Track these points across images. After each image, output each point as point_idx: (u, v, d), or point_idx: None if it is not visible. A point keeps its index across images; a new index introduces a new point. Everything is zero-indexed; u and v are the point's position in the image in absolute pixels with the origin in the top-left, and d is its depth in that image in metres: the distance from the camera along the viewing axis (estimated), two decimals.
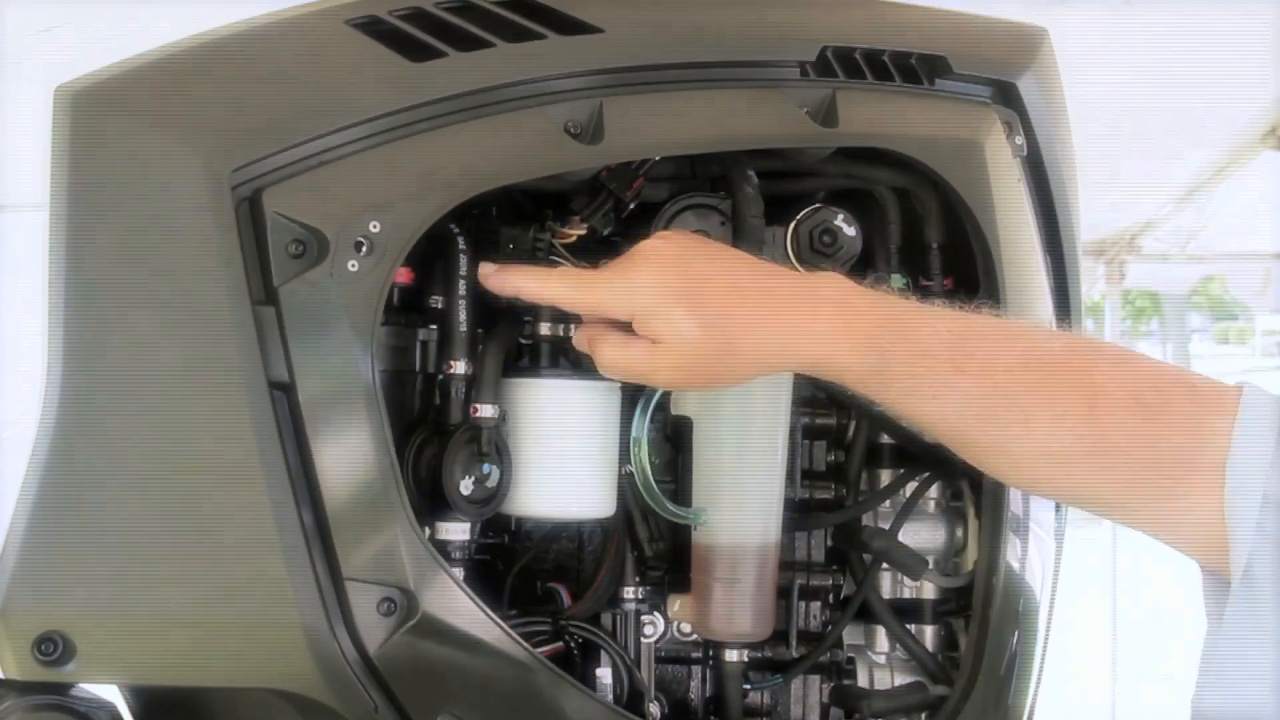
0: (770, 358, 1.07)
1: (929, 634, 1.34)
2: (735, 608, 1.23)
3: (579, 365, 1.24)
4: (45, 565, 1.02)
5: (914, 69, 1.26)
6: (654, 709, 1.27)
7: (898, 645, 1.33)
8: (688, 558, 1.26)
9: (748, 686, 1.33)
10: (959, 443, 1.09)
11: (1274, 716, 0.97)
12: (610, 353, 1.09)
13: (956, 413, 1.04)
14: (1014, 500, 1.24)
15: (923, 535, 1.33)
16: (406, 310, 1.21)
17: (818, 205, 1.27)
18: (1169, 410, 1.00)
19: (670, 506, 1.22)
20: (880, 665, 1.34)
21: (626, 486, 1.25)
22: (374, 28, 1.11)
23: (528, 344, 1.24)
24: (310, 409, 1.05)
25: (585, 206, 1.21)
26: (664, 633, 1.30)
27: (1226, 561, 0.99)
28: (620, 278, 1.07)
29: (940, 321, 1.05)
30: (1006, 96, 1.30)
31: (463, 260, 1.19)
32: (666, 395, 1.23)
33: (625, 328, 1.09)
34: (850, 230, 1.27)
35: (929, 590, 1.34)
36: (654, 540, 1.28)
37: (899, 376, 1.04)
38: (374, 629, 1.07)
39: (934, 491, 1.34)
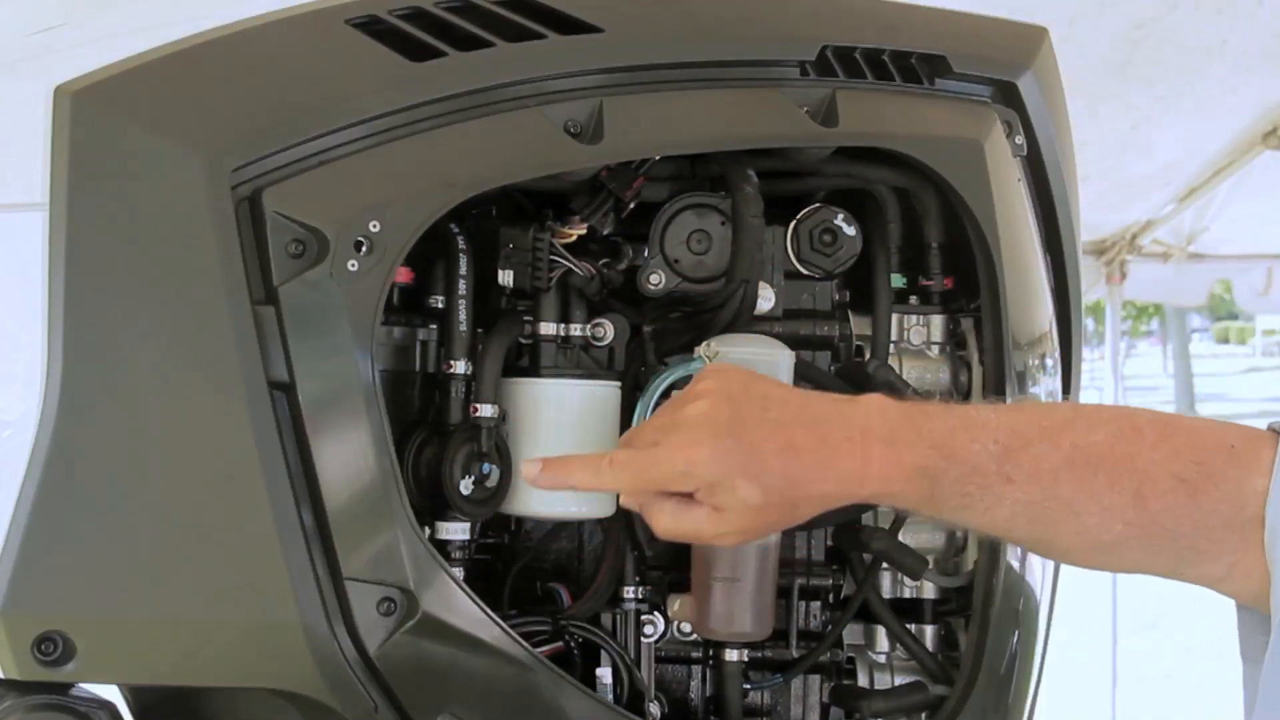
0: (827, 502, 1.07)
1: (929, 634, 1.34)
2: (735, 608, 1.23)
3: (579, 365, 1.24)
4: (45, 565, 1.02)
5: (914, 69, 1.26)
6: (654, 709, 1.27)
7: (898, 645, 1.33)
8: (688, 558, 1.26)
9: (748, 686, 1.33)
10: (1014, 542, 1.13)
11: None
12: (668, 521, 1.08)
13: (1007, 520, 1.06)
14: None
15: (923, 535, 1.33)
16: (406, 310, 1.21)
17: (818, 205, 1.27)
18: (1211, 482, 1.02)
19: None
20: (880, 665, 1.34)
21: None
22: (374, 27, 1.11)
23: (527, 344, 1.24)
24: (310, 409, 1.05)
25: (585, 206, 1.21)
26: (664, 632, 1.30)
27: None
28: (677, 455, 1.05)
29: (986, 433, 1.05)
30: (1006, 96, 1.30)
31: (463, 260, 1.19)
32: (666, 394, 1.23)
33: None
34: (850, 230, 1.27)
35: (929, 590, 1.34)
36: (654, 540, 1.28)
37: (951, 496, 1.05)
38: (374, 629, 1.07)
39: None
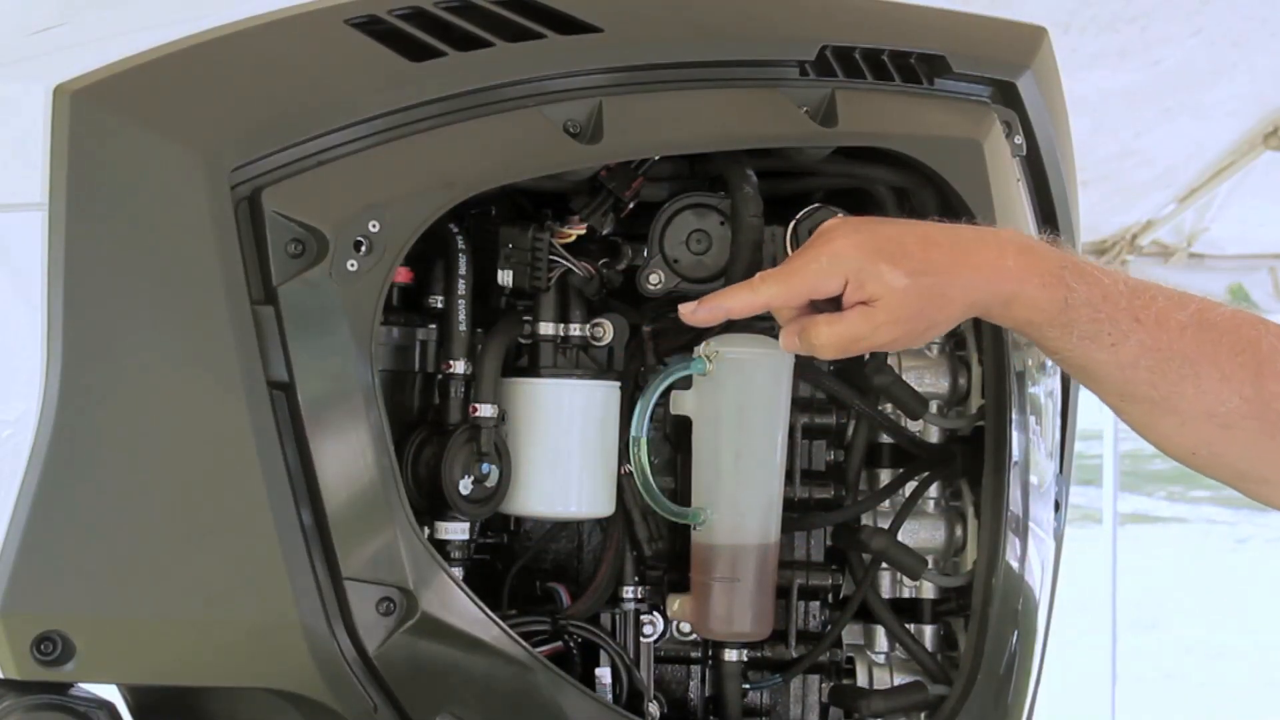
0: (972, 294, 1.10)
1: (928, 633, 1.34)
2: (734, 607, 1.23)
3: (578, 365, 1.24)
4: (45, 565, 1.02)
5: (913, 68, 1.26)
6: (653, 709, 1.27)
7: (897, 645, 1.33)
8: (687, 557, 1.26)
9: (747, 686, 1.33)
10: (1129, 396, 1.13)
11: None
12: (826, 332, 1.10)
13: (1131, 363, 1.08)
14: (1014, 500, 1.24)
15: (922, 535, 1.33)
16: (406, 310, 1.21)
17: (817, 205, 1.27)
18: None
19: (669, 506, 1.22)
20: (879, 665, 1.34)
21: (626, 486, 1.25)
22: (373, 27, 1.11)
23: (527, 344, 1.24)
24: (309, 409, 1.05)
25: (584, 206, 1.21)
26: (663, 632, 1.30)
27: None
28: (822, 253, 1.10)
29: (1115, 273, 1.10)
30: (1006, 96, 1.30)
31: (462, 260, 1.19)
32: (665, 394, 1.23)
33: (825, 311, 1.12)
34: None
35: (928, 590, 1.34)
36: (653, 540, 1.28)
37: (1082, 319, 1.08)
38: (373, 629, 1.07)
39: (933, 491, 1.34)
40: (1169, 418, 1.12)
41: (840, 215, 1.25)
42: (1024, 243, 1.11)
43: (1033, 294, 1.08)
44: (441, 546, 1.17)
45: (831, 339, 1.10)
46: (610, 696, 1.26)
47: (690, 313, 1.14)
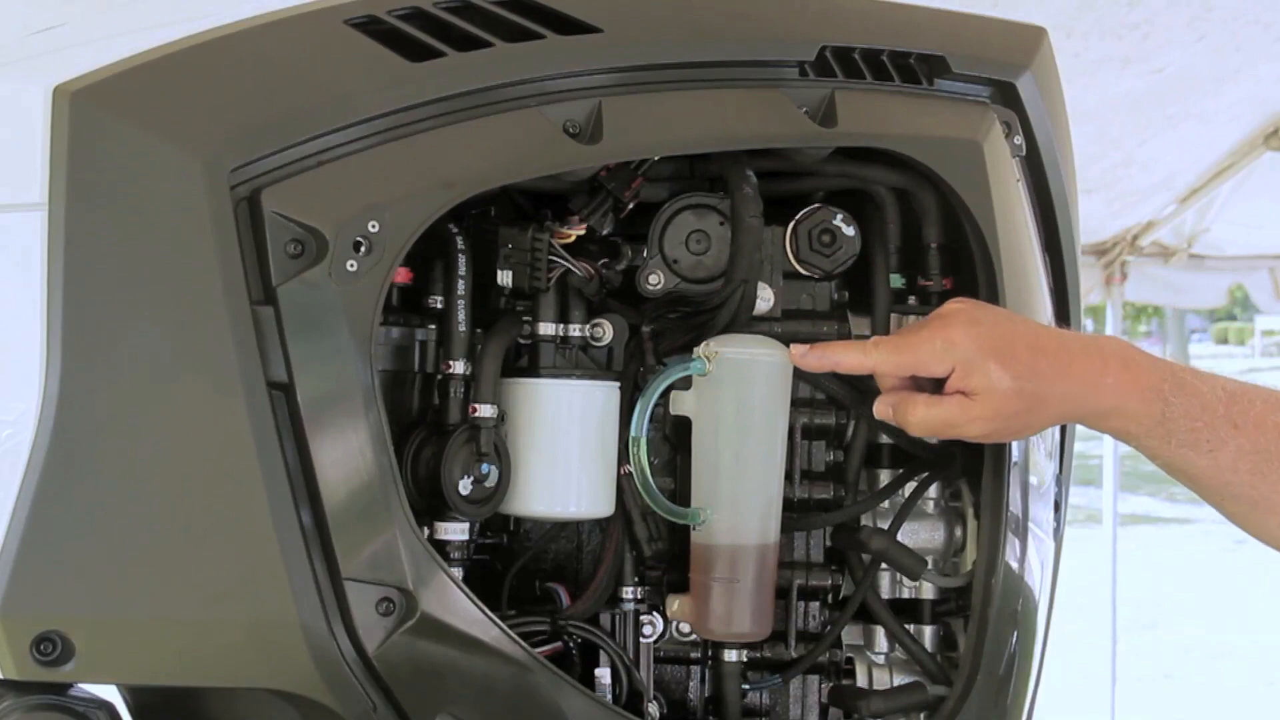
0: (1069, 404, 1.15)
1: (928, 634, 1.34)
2: (734, 608, 1.23)
3: (578, 365, 1.24)
4: (44, 565, 1.02)
5: (913, 69, 1.26)
6: (653, 709, 1.27)
7: (897, 645, 1.33)
8: (687, 557, 1.26)
9: (746, 686, 1.33)
10: (1230, 496, 1.17)
11: None
12: (922, 412, 1.15)
13: (1230, 467, 1.13)
14: (1013, 500, 1.24)
15: (922, 535, 1.33)
16: (405, 310, 1.21)
17: (817, 205, 1.27)
18: None
19: (669, 506, 1.22)
20: (879, 665, 1.34)
21: (625, 486, 1.25)
22: (372, 28, 1.11)
23: (527, 344, 1.24)
24: (309, 409, 1.05)
25: (584, 206, 1.21)
26: (663, 633, 1.30)
27: None
28: (937, 336, 1.13)
29: (1214, 380, 1.15)
30: (1005, 96, 1.30)
31: (461, 260, 1.18)
32: (665, 395, 1.23)
33: (924, 389, 1.16)
34: (849, 230, 1.27)
35: (928, 590, 1.34)
36: (653, 540, 1.28)
37: (1180, 429, 1.13)
38: (373, 629, 1.07)
39: (933, 491, 1.34)
40: (1271, 517, 1.17)
41: (840, 215, 1.24)
42: (1127, 356, 1.15)
43: (1131, 408, 1.13)
44: (441, 547, 1.17)
45: (925, 420, 1.15)
46: (610, 697, 1.26)
47: (800, 355, 1.19)
